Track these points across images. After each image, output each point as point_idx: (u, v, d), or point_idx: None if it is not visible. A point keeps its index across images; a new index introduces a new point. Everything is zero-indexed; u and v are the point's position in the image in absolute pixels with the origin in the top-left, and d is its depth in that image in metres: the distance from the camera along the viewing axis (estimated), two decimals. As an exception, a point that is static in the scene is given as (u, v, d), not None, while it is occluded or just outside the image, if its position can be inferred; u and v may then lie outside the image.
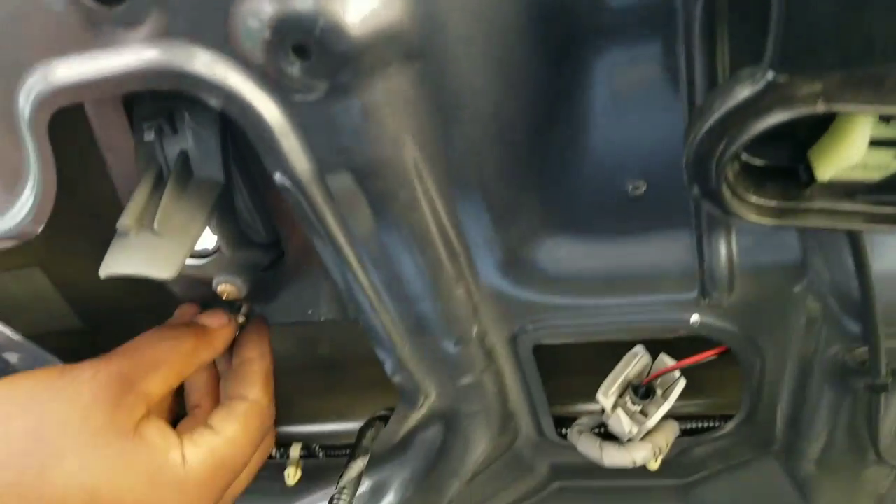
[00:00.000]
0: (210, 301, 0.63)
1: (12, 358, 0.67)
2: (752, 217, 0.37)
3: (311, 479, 0.76)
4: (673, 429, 0.64)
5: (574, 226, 0.49)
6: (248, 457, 0.52)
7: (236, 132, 0.50)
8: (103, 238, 0.69)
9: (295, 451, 0.77)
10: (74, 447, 0.44)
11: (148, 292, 0.73)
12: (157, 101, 0.46)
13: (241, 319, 0.62)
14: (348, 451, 0.63)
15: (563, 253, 0.51)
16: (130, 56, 0.35)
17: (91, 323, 0.74)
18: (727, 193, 0.36)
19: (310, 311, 0.63)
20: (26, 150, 0.40)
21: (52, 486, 0.43)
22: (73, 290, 0.71)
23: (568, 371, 0.69)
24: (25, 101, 0.37)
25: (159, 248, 0.44)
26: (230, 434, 0.51)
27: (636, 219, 0.48)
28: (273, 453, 0.78)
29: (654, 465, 0.66)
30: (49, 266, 0.70)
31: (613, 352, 0.61)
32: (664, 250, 0.50)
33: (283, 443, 0.79)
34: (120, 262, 0.44)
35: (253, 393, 0.55)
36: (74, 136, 0.49)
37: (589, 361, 0.67)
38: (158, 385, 0.50)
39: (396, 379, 0.57)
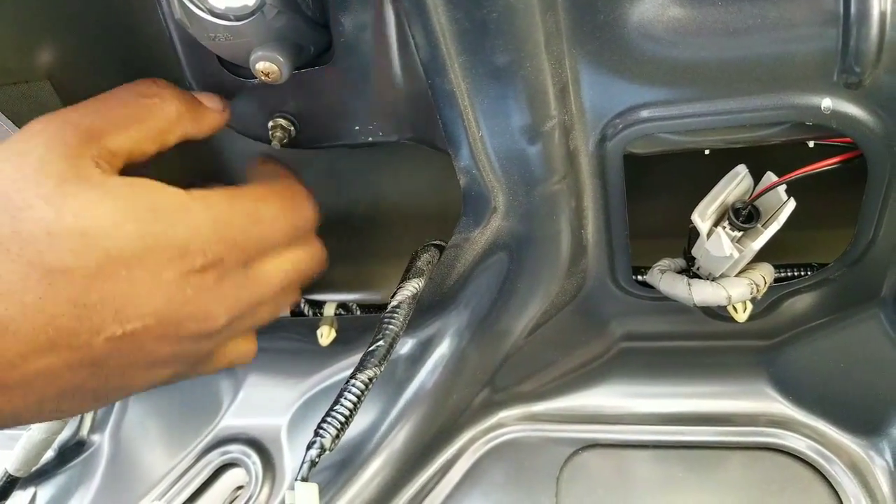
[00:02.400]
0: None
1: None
2: None
3: (347, 341, 0.69)
4: (769, 269, 0.56)
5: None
6: (277, 218, 0.45)
7: None
8: (123, 51, 0.61)
9: (329, 308, 0.70)
10: (41, 196, 0.37)
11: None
12: None
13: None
14: (388, 308, 0.55)
15: (666, 14, 0.42)
16: None
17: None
18: None
19: (356, 128, 0.55)
20: None
21: (29, 236, 0.36)
22: (86, 110, 0.63)
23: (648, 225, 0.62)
24: None
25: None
26: (252, 187, 0.45)
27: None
28: (306, 311, 0.71)
29: (742, 316, 0.59)
30: (59, 79, 0.61)
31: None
32: (801, 10, 0.41)
33: (317, 303, 0.72)
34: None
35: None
36: None
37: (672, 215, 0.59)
38: (126, 144, 0.42)
39: (463, 180, 0.49)
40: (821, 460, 0.62)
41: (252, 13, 0.44)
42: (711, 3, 0.42)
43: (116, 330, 0.38)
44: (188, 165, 0.69)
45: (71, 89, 0.62)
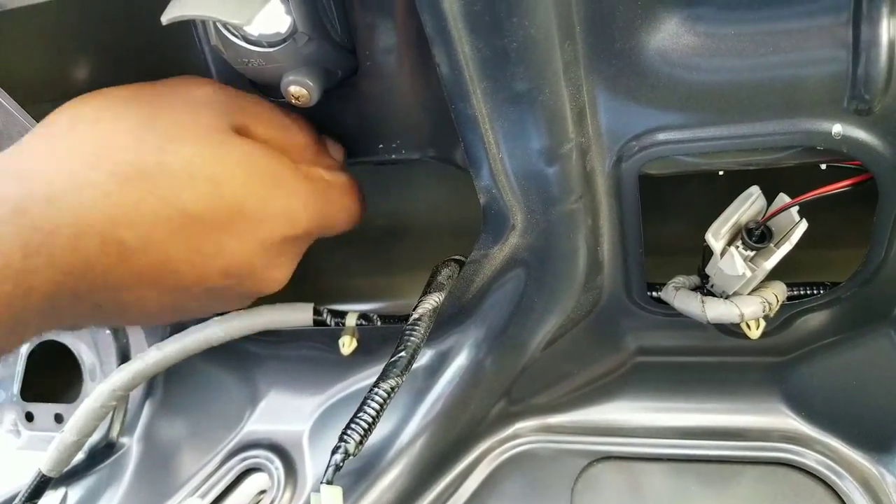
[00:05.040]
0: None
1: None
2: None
3: (368, 352, 0.71)
4: (781, 287, 0.57)
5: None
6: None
7: None
8: (159, 72, 0.64)
9: (351, 319, 0.71)
10: (190, 137, 0.40)
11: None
12: None
13: None
14: (409, 320, 0.57)
15: (681, 42, 0.44)
16: None
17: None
18: None
19: (380, 146, 0.57)
20: None
21: (172, 170, 0.39)
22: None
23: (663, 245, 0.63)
24: None
25: (234, -8, 0.38)
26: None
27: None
28: (328, 321, 0.73)
29: (755, 333, 0.60)
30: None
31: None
32: (811, 38, 0.43)
33: (339, 313, 0.74)
34: (187, 5, 0.38)
35: None
36: None
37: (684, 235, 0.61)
38: (259, 136, 0.47)
39: (483, 199, 0.50)
40: (833, 476, 0.62)
41: (284, 40, 0.47)
42: (725, 33, 0.44)
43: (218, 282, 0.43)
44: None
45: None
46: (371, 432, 0.47)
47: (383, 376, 0.49)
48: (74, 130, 0.40)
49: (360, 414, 0.47)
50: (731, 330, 0.63)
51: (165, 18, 0.38)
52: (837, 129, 0.45)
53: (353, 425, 0.47)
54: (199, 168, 0.40)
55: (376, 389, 0.48)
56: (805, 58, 0.43)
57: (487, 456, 0.71)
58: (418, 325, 0.51)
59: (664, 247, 0.64)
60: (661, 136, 0.48)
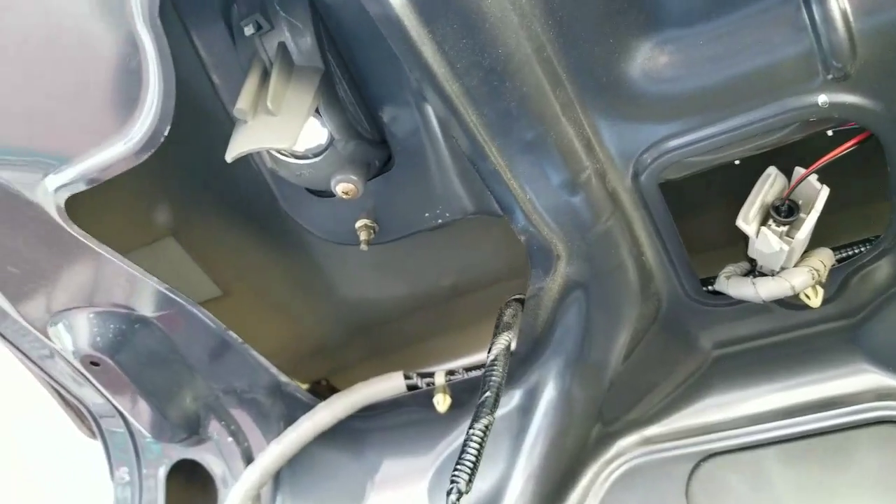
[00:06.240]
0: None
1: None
2: None
3: (462, 403, 0.76)
4: (827, 253, 0.60)
5: (670, 19, 0.48)
6: None
7: (330, 22, 0.52)
8: (228, 198, 0.73)
9: (439, 377, 0.76)
10: None
11: (267, 249, 0.77)
12: (250, -3, 0.49)
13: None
14: (487, 363, 0.61)
15: (659, 62, 0.50)
16: None
17: (228, 289, 0.78)
18: None
19: (426, 215, 0.64)
20: (142, 46, 0.44)
21: None
22: (207, 255, 0.75)
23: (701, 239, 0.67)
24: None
25: (277, 123, 0.46)
26: None
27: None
28: (419, 384, 0.78)
29: (815, 301, 0.62)
30: (181, 234, 0.74)
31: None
32: (771, 28, 0.48)
33: (428, 374, 0.79)
34: (243, 143, 0.46)
35: None
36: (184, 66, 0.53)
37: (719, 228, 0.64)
38: None
39: (523, 238, 0.56)
40: (938, 423, 0.63)
41: (326, 148, 0.55)
42: (693, 44, 0.49)
43: None
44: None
45: (192, 238, 0.75)
46: (477, 469, 0.52)
47: (476, 418, 0.54)
48: None
49: (464, 455, 0.52)
50: (795, 304, 0.65)
51: (229, 157, 0.47)
52: (823, 98, 0.49)
53: (458, 467, 0.52)
54: None
55: (472, 431, 0.53)
56: (770, 45, 0.48)
57: (597, 480, 0.74)
58: (496, 365, 0.56)
59: (709, 243, 0.68)
60: (669, 144, 0.53)
